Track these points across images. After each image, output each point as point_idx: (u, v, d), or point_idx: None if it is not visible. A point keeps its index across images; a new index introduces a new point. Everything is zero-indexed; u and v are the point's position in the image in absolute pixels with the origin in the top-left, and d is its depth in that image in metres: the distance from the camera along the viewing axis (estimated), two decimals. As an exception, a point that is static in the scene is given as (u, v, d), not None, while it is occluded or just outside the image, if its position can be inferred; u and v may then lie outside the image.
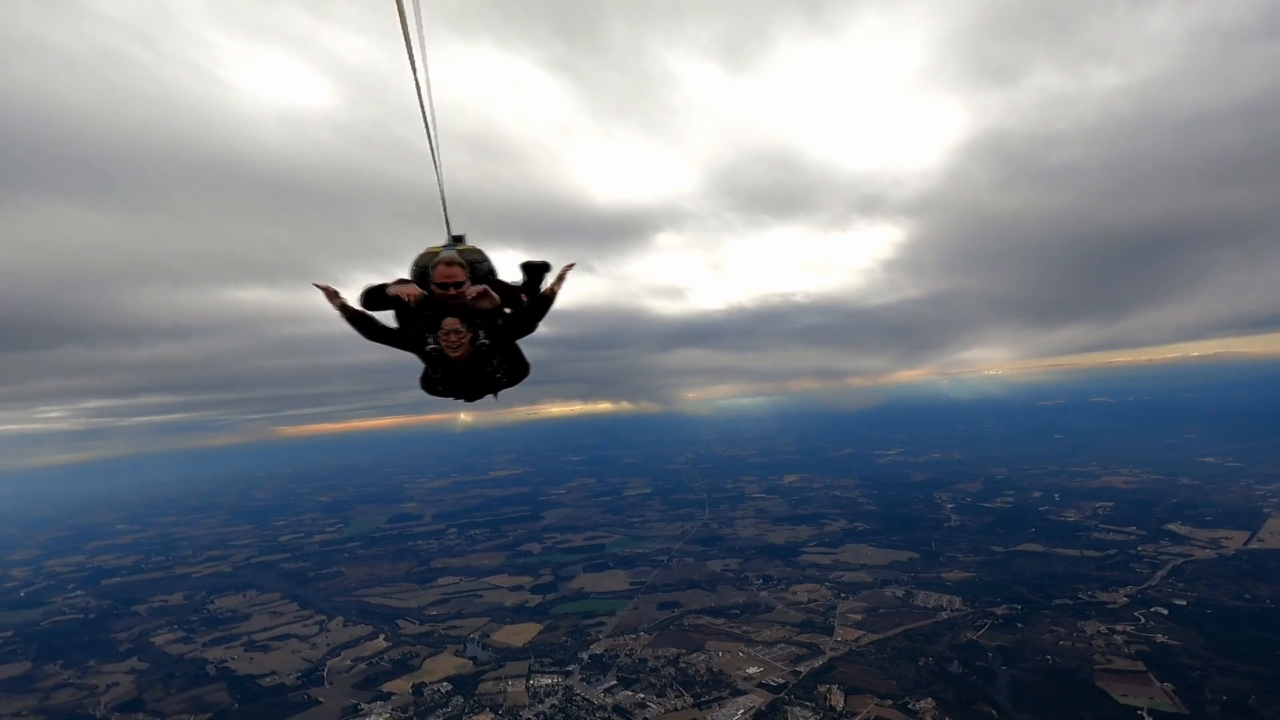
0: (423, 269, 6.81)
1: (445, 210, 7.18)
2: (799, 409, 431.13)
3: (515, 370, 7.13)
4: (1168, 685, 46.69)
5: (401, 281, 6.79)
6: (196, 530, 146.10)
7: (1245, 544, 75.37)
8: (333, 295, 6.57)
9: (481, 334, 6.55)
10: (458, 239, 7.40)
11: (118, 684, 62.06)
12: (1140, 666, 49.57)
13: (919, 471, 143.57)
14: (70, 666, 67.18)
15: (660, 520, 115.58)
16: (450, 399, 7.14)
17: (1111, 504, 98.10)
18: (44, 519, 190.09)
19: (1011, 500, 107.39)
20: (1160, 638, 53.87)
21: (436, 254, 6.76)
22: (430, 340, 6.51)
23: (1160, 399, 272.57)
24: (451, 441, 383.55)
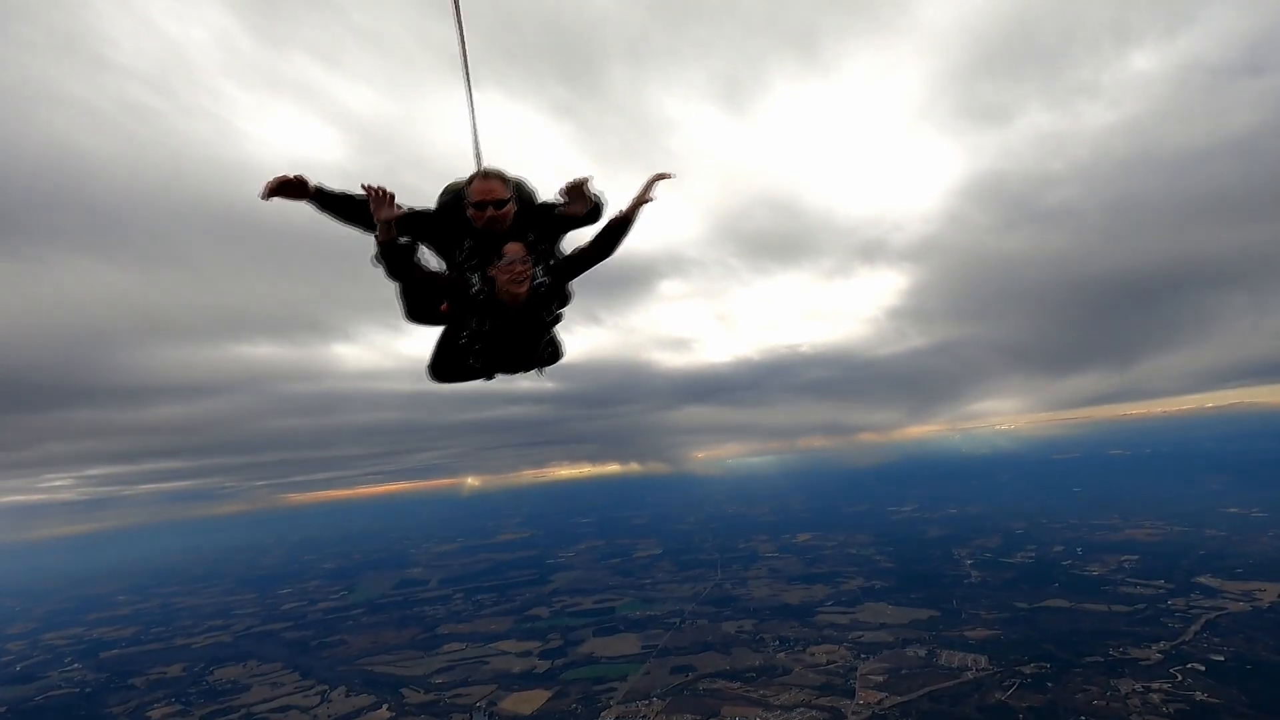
0: (454, 194, 5.36)
1: (476, 139, 5.62)
2: (809, 467, 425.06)
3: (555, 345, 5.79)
4: (1212, 746, 44.22)
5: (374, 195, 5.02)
6: (198, 599, 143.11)
7: (1280, 596, 72.61)
8: (382, 202, 4.96)
9: (539, 270, 5.21)
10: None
11: (110, 761, 59.70)
12: (1181, 726, 47.08)
13: (935, 527, 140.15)
14: (62, 743, 64.83)
15: (671, 582, 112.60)
16: (477, 378, 5.72)
17: (1137, 557, 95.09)
18: (44, 591, 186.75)
19: (1033, 555, 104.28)
20: (1200, 695, 51.27)
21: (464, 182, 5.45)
22: (476, 281, 5.16)
23: (1179, 450, 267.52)
24: (458, 506, 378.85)
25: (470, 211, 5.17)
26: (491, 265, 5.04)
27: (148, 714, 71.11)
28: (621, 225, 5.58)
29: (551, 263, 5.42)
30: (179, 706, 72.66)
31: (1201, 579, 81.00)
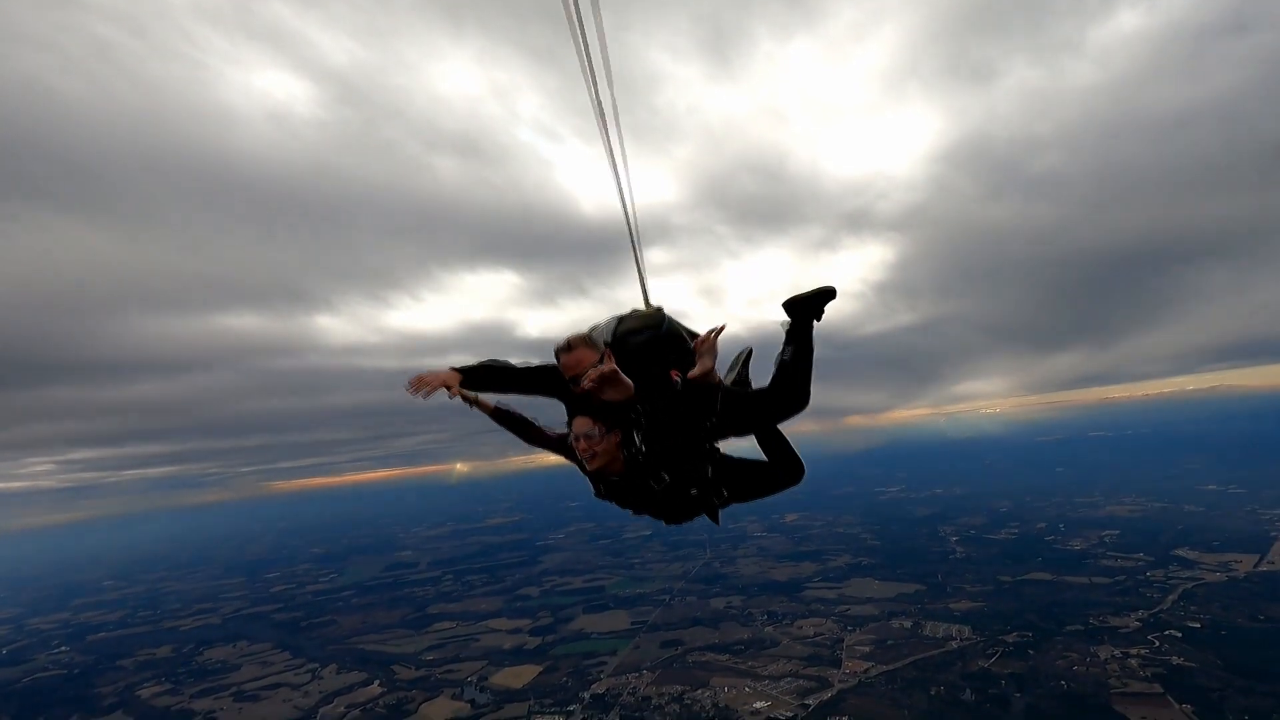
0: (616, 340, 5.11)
1: (641, 273, 5.58)
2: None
3: (746, 481, 5.50)
4: (1187, 707, 45.34)
5: (483, 371, 5.04)
6: (185, 585, 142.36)
7: (1255, 566, 74.25)
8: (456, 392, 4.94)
9: (637, 437, 4.83)
10: (656, 310, 5.92)
11: (100, 738, 59.63)
12: (1157, 689, 48.18)
13: (921, 507, 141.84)
14: (51, 722, 64.63)
15: (660, 561, 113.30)
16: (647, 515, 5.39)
17: (1118, 532, 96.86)
18: (28, 578, 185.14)
19: (1017, 531, 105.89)
20: (1176, 660, 52.53)
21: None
22: (572, 436, 5.02)
23: (1159, 432, 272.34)
24: (448, 492, 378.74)
25: (569, 381, 4.96)
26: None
27: (137, 693, 70.93)
28: (702, 391, 5.06)
29: (655, 422, 4.87)
30: (169, 685, 72.51)
31: (1180, 551, 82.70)
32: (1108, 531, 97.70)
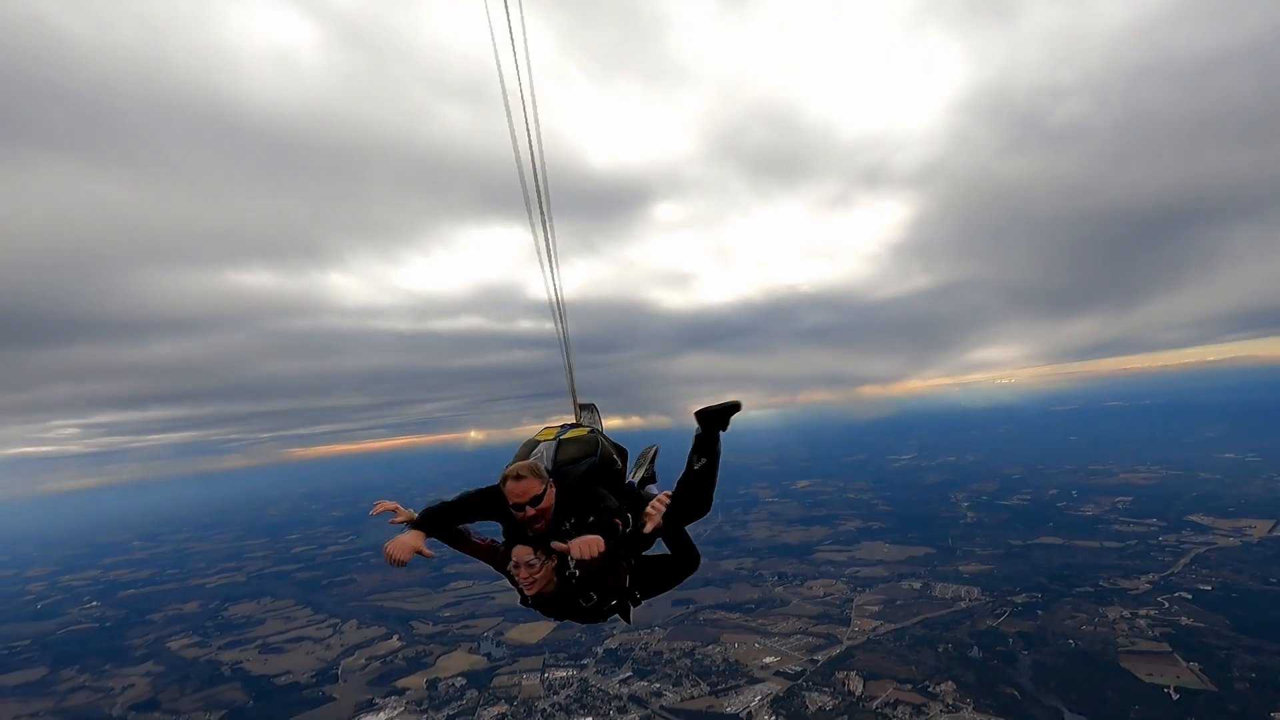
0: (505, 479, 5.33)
1: (571, 376, 6.21)
2: (810, 420, 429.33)
3: (655, 580, 5.76)
4: (1194, 665, 45.70)
5: (425, 517, 5.40)
6: (210, 545, 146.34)
7: (1270, 532, 73.92)
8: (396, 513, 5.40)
9: (572, 561, 5.02)
10: (585, 407, 6.34)
11: (134, 686, 62.03)
12: (1165, 648, 48.57)
13: (933, 474, 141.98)
14: (86, 671, 67.19)
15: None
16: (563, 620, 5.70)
17: (1130, 498, 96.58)
18: (59, 538, 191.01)
19: (1028, 498, 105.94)
20: (1185, 620, 52.81)
21: (530, 450, 5.65)
22: (512, 563, 5.19)
23: (1177, 402, 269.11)
24: (464, 459, 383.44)
25: (511, 509, 5.15)
26: (508, 562, 5.13)
27: (167, 644, 73.57)
28: (639, 542, 5.36)
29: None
30: (197, 638, 75.12)
31: (1193, 517, 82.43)
32: (1120, 498, 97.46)
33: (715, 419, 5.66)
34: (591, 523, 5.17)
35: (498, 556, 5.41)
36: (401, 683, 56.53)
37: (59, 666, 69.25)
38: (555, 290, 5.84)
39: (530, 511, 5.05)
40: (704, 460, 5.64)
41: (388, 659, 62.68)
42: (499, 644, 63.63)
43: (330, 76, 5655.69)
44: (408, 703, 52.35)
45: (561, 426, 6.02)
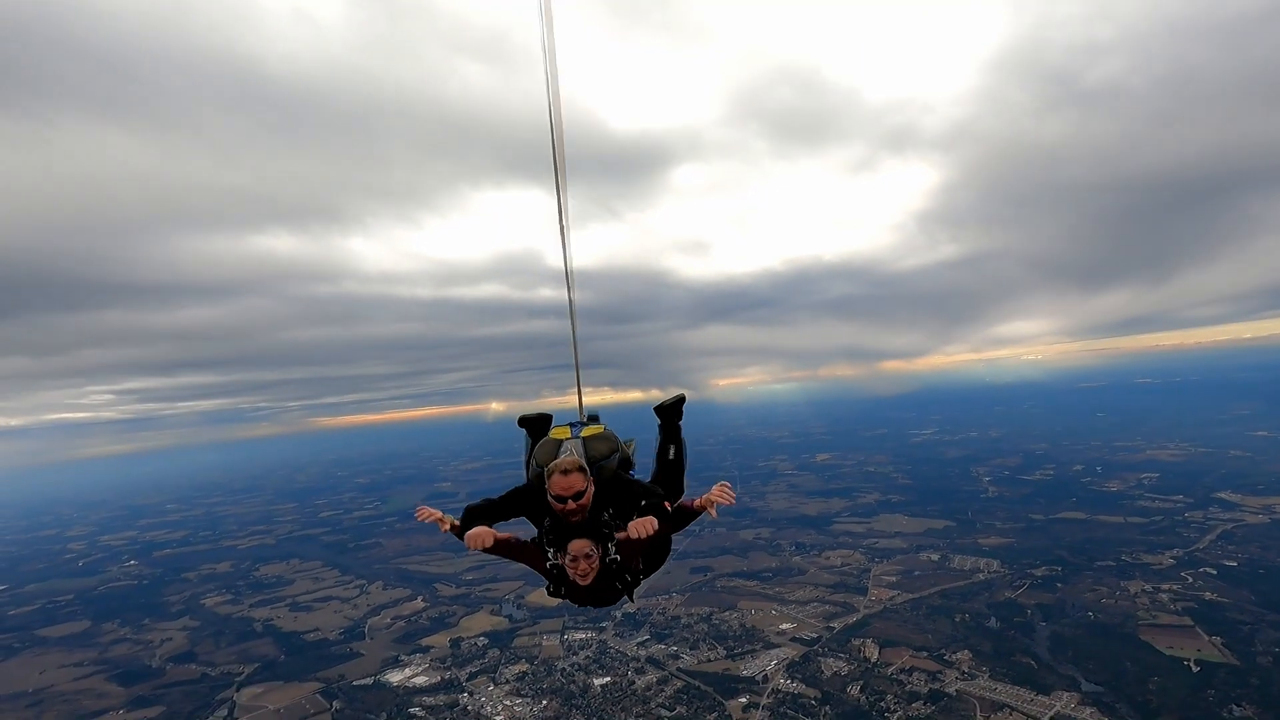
0: (541, 473, 5.53)
1: (580, 386, 6.37)
2: (831, 395, 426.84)
3: (655, 559, 6.03)
4: (1216, 639, 45.32)
5: (468, 517, 5.54)
6: (241, 509, 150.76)
7: (1300, 510, 72.57)
8: (439, 522, 5.57)
9: (613, 548, 5.34)
10: (592, 418, 6.46)
11: (171, 639, 64.77)
12: (1188, 622, 48.21)
13: (955, 449, 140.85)
14: (127, 624, 70.27)
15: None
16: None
17: (1157, 475, 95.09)
18: (97, 501, 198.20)
19: (1052, 473, 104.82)
20: (1209, 595, 52.29)
21: (556, 448, 5.73)
22: (551, 555, 5.39)
23: (1209, 380, 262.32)
24: (485, 429, 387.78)
25: (551, 501, 5.25)
26: (560, 554, 5.23)
27: (202, 601, 76.48)
28: (687, 517, 5.54)
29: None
30: (230, 596, 77.96)
31: (1221, 494, 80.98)
32: (1147, 474, 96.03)
33: (671, 412, 6.60)
34: (645, 506, 5.40)
35: (531, 552, 5.49)
36: (426, 641, 58.27)
37: (101, 620, 72.39)
38: (568, 291, 5.93)
39: (572, 505, 5.21)
40: (674, 448, 6.45)
41: (412, 619, 64.56)
42: (520, 606, 65.07)
43: (347, 33, 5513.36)
44: (432, 660, 53.95)
45: (573, 425, 6.21)
